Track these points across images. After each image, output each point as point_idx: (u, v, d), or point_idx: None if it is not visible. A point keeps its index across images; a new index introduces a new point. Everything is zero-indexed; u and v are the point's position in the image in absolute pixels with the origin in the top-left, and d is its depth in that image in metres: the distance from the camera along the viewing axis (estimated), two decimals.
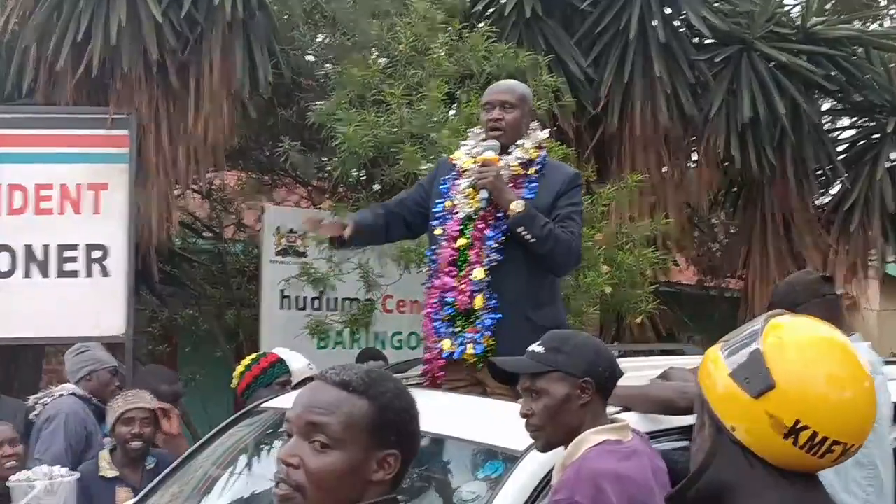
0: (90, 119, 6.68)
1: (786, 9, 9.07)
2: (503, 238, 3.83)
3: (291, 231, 7.25)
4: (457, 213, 3.92)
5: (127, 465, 4.79)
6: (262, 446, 4.05)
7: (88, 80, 6.77)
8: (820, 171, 9.04)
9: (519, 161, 3.94)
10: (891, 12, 12.78)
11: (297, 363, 5.55)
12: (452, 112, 6.71)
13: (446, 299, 3.87)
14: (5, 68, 7.14)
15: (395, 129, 6.30)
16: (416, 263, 6.32)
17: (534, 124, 4.08)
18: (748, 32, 8.27)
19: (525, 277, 3.87)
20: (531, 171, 3.95)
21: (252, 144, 8.03)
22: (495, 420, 3.29)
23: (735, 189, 9.50)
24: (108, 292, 6.47)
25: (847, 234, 8.85)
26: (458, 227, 3.90)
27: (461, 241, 3.88)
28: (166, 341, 9.25)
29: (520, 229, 3.78)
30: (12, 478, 4.36)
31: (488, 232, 3.85)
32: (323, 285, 6.64)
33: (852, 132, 9.62)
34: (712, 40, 8.40)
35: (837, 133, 9.70)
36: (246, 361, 5.13)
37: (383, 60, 6.89)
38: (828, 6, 10.50)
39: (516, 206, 3.79)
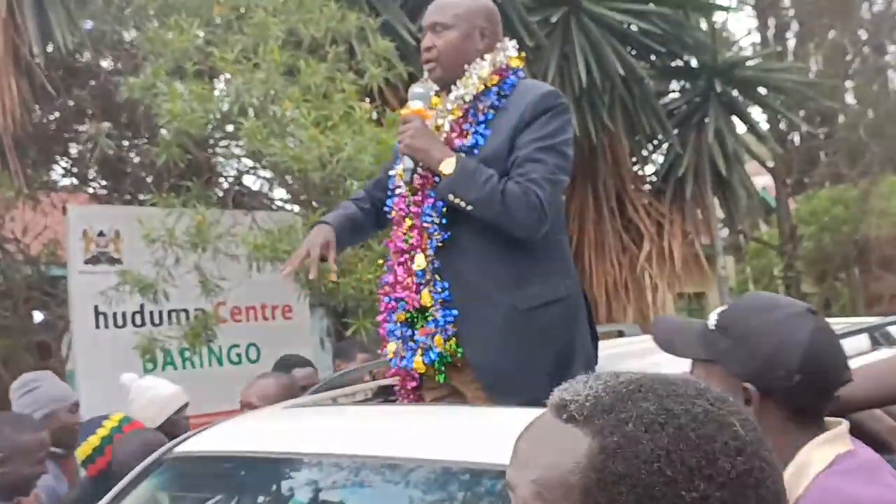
0: None
1: None
2: (445, 209, 2.84)
3: (101, 234, 6.01)
4: (399, 187, 2.97)
5: None
6: None
7: None
8: (651, 137, 8.71)
9: (457, 102, 2.91)
10: None
11: (167, 388, 4.61)
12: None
13: (397, 297, 2.91)
14: None
15: (231, 102, 5.31)
16: (269, 261, 5.34)
17: (507, 42, 3.02)
18: None
19: (490, 251, 2.84)
20: (482, 106, 2.89)
21: (46, 129, 6.64)
22: None
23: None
24: None
25: (683, 202, 8.56)
26: (404, 206, 2.94)
27: (406, 223, 2.92)
28: None
29: (450, 197, 2.80)
30: None
31: (425, 207, 2.88)
32: (153, 292, 5.47)
33: (675, 97, 9.37)
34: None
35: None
36: (96, 439, 3.96)
37: (199, 27, 5.85)
38: None
39: (445, 168, 2.80)
